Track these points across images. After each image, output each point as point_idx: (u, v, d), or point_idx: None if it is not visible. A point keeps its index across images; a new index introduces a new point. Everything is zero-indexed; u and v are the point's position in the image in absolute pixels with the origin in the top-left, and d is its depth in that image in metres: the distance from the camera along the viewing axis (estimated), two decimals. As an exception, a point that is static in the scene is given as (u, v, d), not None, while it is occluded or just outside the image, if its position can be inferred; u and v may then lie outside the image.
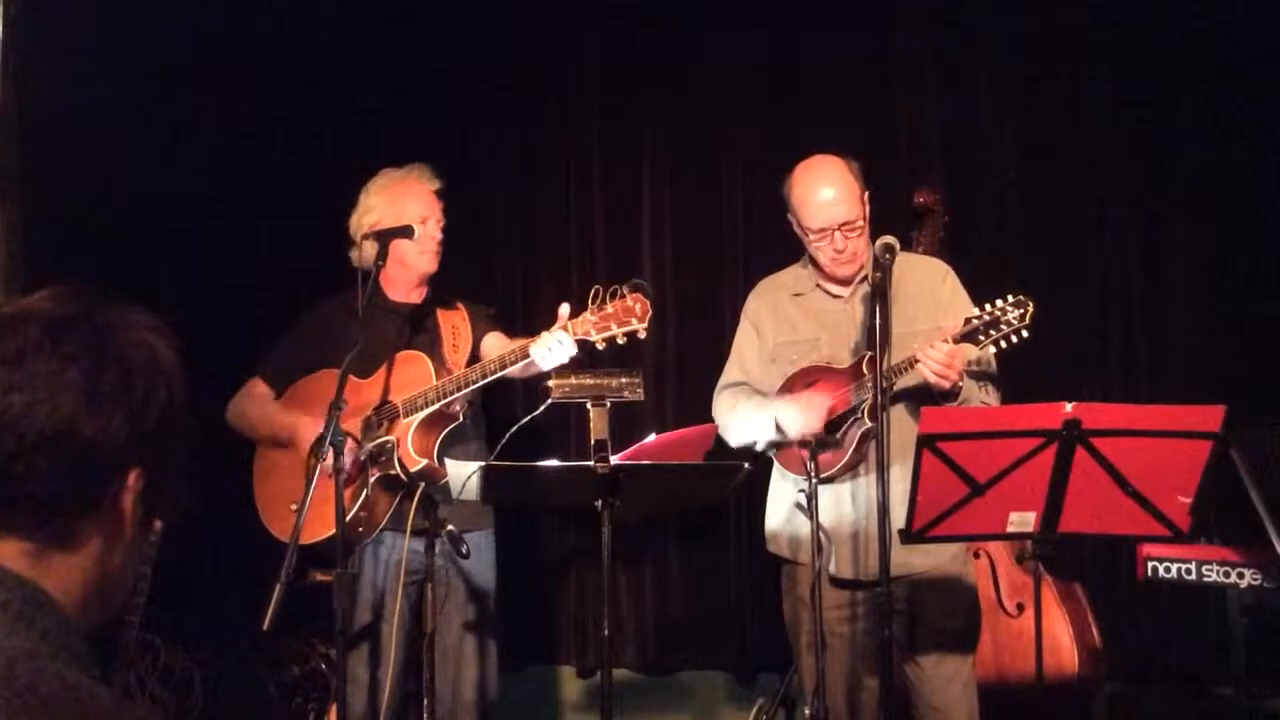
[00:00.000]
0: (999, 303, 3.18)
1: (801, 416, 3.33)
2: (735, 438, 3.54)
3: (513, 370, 3.40)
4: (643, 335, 3.27)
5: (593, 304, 3.26)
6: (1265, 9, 4.38)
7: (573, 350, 3.27)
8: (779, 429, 3.37)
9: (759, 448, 3.51)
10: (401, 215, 3.62)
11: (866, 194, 3.41)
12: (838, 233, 3.35)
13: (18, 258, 3.83)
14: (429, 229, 3.66)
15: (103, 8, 3.99)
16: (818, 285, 3.52)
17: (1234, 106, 4.55)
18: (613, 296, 3.25)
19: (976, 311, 3.21)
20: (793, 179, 3.45)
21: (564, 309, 3.31)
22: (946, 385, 3.17)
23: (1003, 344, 3.19)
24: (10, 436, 1.16)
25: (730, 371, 3.62)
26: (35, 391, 1.16)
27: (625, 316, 3.24)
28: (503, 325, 3.86)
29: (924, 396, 3.22)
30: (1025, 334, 3.16)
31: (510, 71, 5.10)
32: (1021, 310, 3.15)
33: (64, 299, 1.23)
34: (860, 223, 3.38)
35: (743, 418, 3.49)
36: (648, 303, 3.25)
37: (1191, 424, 2.75)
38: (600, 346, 3.28)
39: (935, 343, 3.16)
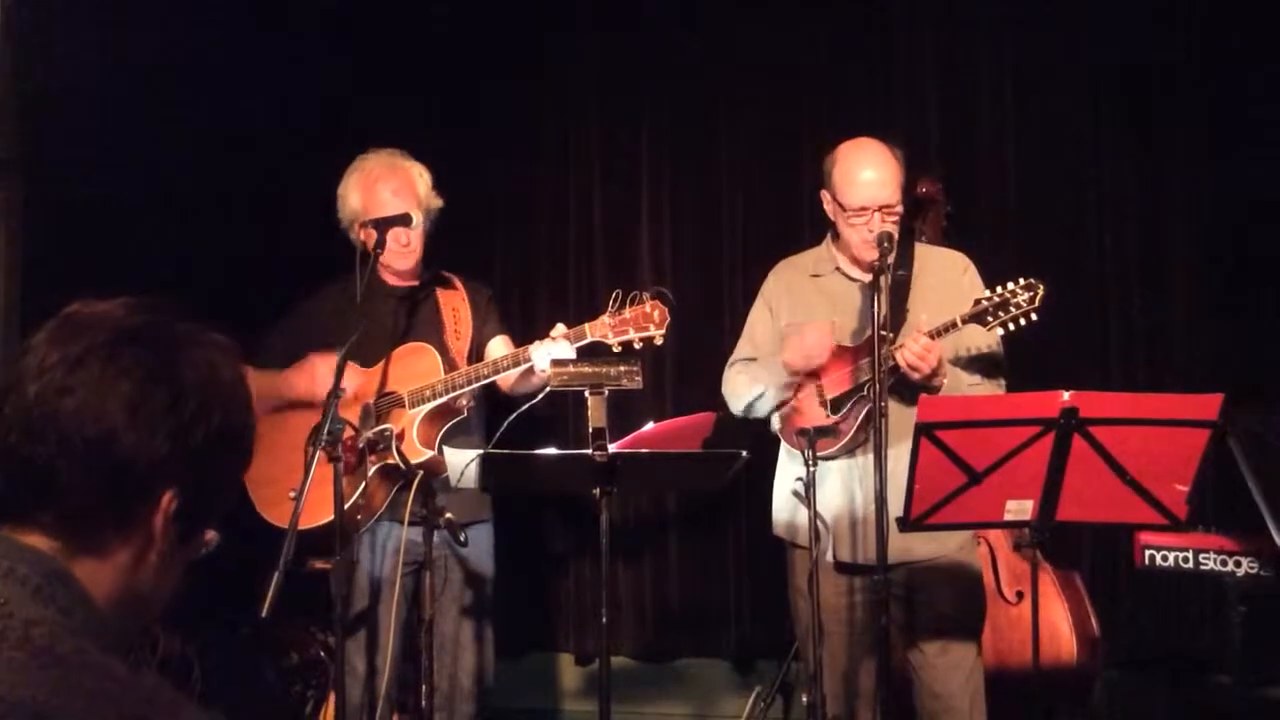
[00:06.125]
0: (1009, 285, 3.20)
1: (806, 341, 3.31)
2: (742, 400, 3.53)
3: (514, 372, 3.43)
4: (659, 342, 3.33)
5: (611, 307, 3.28)
6: (1265, 8, 4.36)
7: (570, 354, 3.29)
8: (788, 368, 3.35)
9: (765, 409, 3.49)
10: (381, 204, 3.60)
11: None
12: (877, 214, 3.32)
13: (17, 244, 3.82)
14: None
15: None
16: (837, 268, 3.50)
17: (1234, 104, 4.54)
18: (632, 302, 3.27)
19: (987, 293, 3.23)
20: (836, 155, 3.42)
21: (559, 328, 3.38)
22: (916, 377, 3.18)
23: (1011, 326, 3.20)
24: (54, 435, 1.17)
25: (741, 348, 3.63)
26: (85, 397, 1.17)
27: (644, 323, 3.28)
28: (500, 312, 3.88)
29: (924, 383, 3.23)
30: (1034, 317, 3.16)
31: (510, 70, 5.09)
32: (1032, 293, 3.16)
33: (137, 310, 1.24)
34: (899, 208, 3.36)
35: (749, 377, 3.49)
36: (667, 311, 3.29)
37: (1189, 412, 2.75)
38: (616, 350, 3.31)
39: (914, 335, 3.17)
